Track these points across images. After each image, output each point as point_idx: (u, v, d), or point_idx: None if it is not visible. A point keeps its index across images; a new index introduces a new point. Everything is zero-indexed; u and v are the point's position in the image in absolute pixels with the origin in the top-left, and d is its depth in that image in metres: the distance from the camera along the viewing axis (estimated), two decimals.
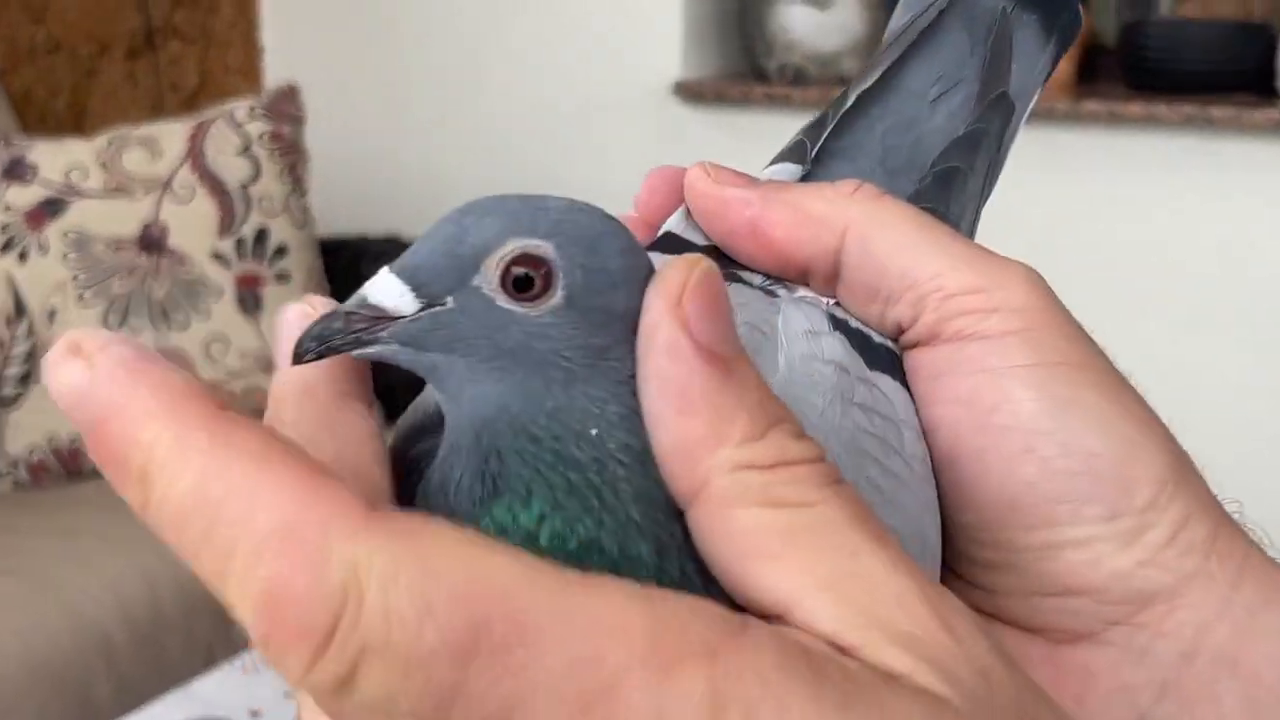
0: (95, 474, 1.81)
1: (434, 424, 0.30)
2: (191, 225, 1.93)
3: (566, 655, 0.21)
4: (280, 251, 1.98)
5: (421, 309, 0.27)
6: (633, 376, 0.27)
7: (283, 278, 1.97)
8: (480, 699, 0.21)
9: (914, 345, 0.33)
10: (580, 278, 0.27)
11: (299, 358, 0.27)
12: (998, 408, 0.31)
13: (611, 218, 0.29)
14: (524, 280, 0.27)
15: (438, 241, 0.28)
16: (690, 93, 2.23)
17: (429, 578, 0.21)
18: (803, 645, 0.22)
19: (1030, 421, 0.31)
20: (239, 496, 0.21)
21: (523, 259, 0.27)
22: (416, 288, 0.27)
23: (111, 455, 0.23)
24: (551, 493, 0.26)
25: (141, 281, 1.89)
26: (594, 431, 0.27)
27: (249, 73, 2.63)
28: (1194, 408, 1.58)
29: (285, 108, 2.03)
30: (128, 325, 1.86)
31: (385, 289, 0.27)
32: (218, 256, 1.94)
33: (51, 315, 1.87)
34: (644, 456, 0.26)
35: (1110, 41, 2.20)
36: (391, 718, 0.21)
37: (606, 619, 0.21)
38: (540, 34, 2.35)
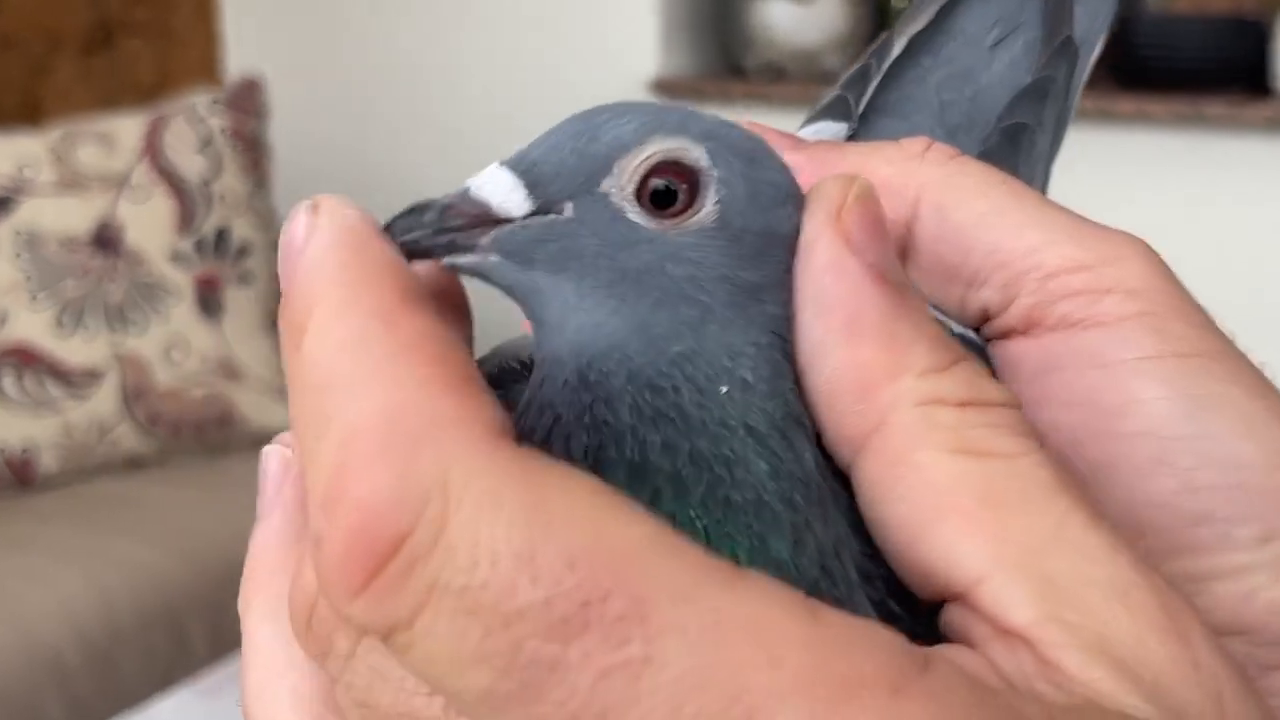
0: (48, 485, 1.78)
1: (520, 374, 0.26)
2: (149, 224, 1.88)
3: (697, 663, 0.17)
4: (243, 252, 1.94)
5: (533, 212, 0.24)
6: (789, 327, 0.24)
7: (245, 279, 1.93)
8: (573, 693, 0.17)
9: (1006, 335, 0.28)
10: (741, 190, 0.24)
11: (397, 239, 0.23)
12: (1124, 410, 0.26)
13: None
14: (665, 194, 0.24)
15: (563, 136, 0.24)
16: (668, 90, 2.20)
17: (541, 522, 0.18)
18: (996, 691, 0.19)
19: (1165, 426, 0.26)
20: (366, 373, 0.20)
21: (667, 166, 0.24)
22: (532, 186, 0.24)
23: (287, 300, 0.21)
24: (672, 459, 0.23)
25: (97, 283, 1.84)
26: (724, 389, 0.23)
27: (209, 70, 2.58)
28: None
29: (247, 101, 1.99)
30: (83, 328, 1.82)
31: (494, 183, 0.24)
32: (177, 257, 1.89)
33: (2, 319, 1.81)
34: (788, 427, 0.23)
35: None
36: (455, 697, 0.18)
37: (758, 628, 0.18)
38: (513, 28, 2.33)
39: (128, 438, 1.83)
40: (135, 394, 1.83)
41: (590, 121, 0.24)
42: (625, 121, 0.24)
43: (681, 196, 0.24)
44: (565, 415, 0.23)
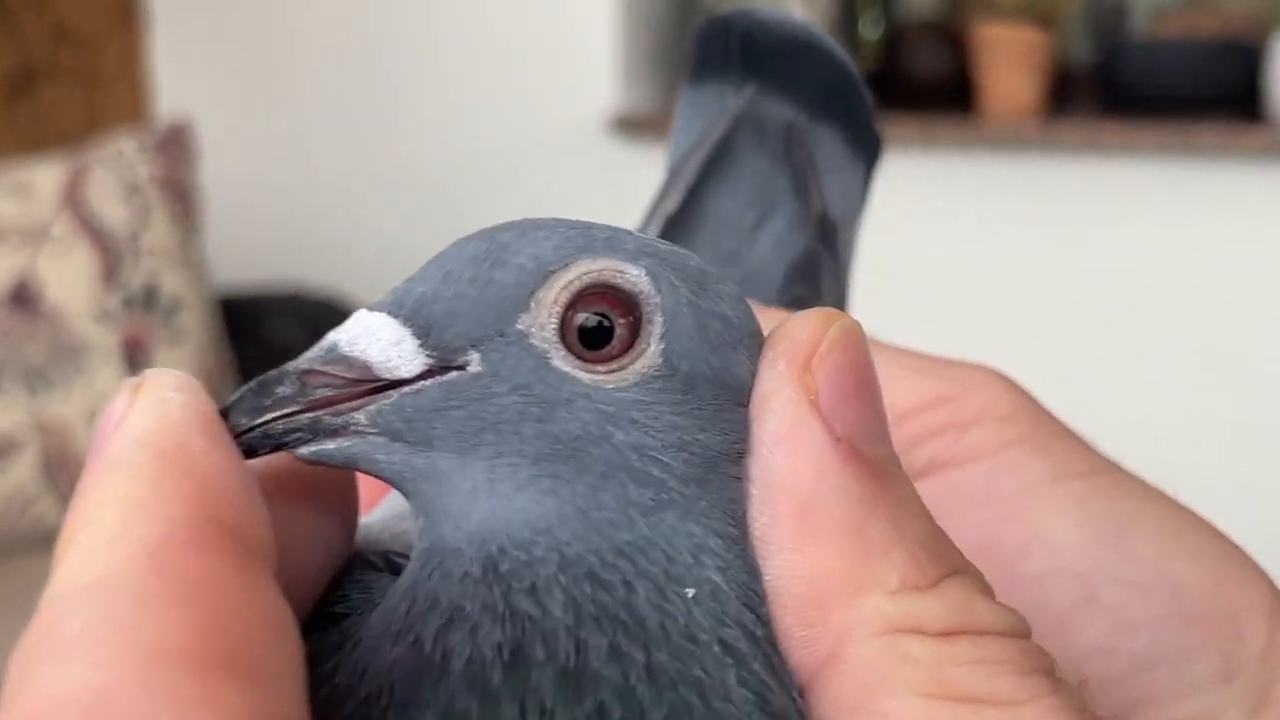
0: None
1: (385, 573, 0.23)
2: (70, 279, 1.82)
3: None
4: (173, 308, 1.87)
5: (428, 370, 0.20)
6: None
7: (176, 338, 1.86)
8: None
9: None
10: (689, 323, 0.21)
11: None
12: (1027, 549, 0.25)
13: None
14: (598, 331, 0.21)
15: (459, 263, 0.21)
16: (628, 126, 2.16)
17: None
18: None
19: (1079, 558, 0.24)
20: (98, 634, 0.16)
21: (598, 292, 0.21)
22: (423, 334, 0.20)
23: (72, 503, 0.19)
24: (621, 670, 0.19)
25: (15, 345, 1.78)
26: (690, 592, 0.20)
27: (138, 115, 2.53)
28: (1173, 448, 1.58)
29: (176, 147, 1.92)
30: (1, 393, 1.75)
31: (371, 333, 0.20)
32: (101, 314, 1.83)
33: None
34: (775, 650, 0.20)
35: (1079, 66, 2.20)
36: None
37: None
38: (460, 64, 2.27)
39: (51, 512, 1.76)
40: (58, 463, 1.77)
41: (493, 241, 0.21)
42: (541, 238, 0.21)
43: (619, 333, 0.21)
44: (469, 607, 0.19)
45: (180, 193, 1.91)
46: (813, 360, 0.20)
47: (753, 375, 0.21)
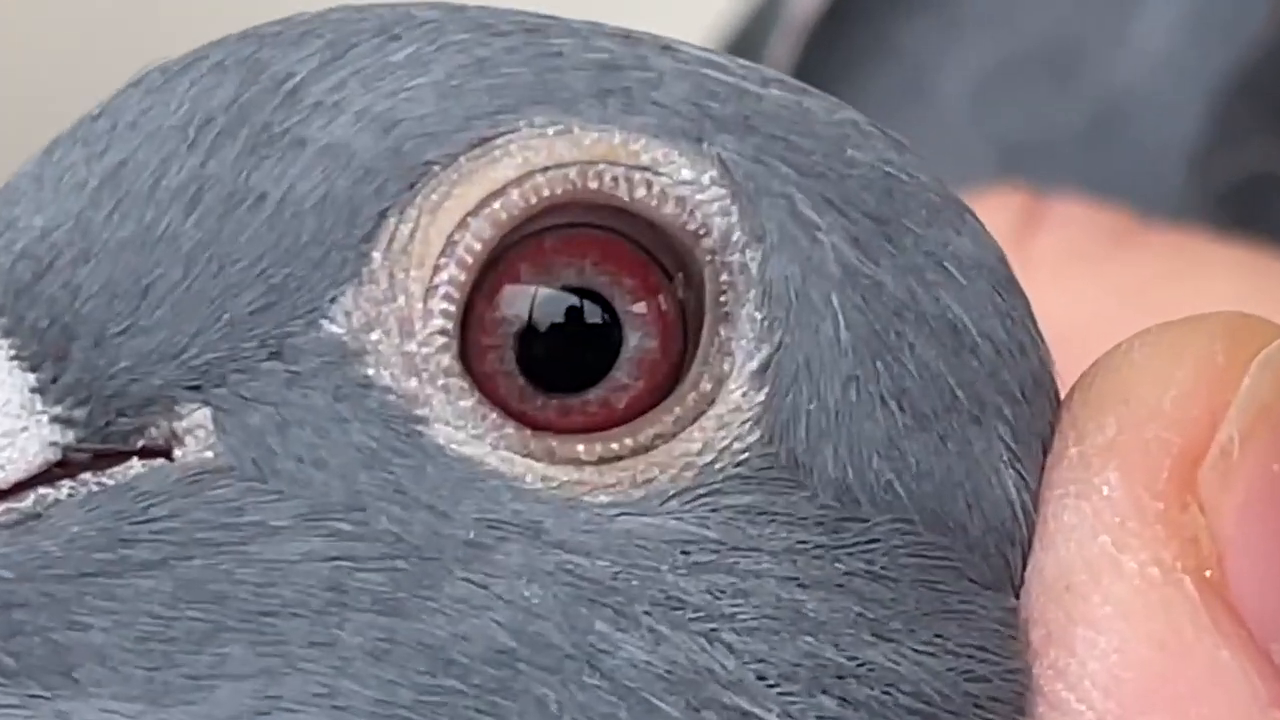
0: None
1: None
2: None
3: None
4: None
5: (64, 464, 0.10)
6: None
7: None
8: None
9: None
10: (841, 328, 0.10)
11: None
12: None
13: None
14: (579, 339, 0.10)
15: (145, 148, 0.10)
16: None
17: None
18: None
19: None
20: None
21: (583, 228, 0.10)
22: (47, 359, 0.10)
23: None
24: None
25: None
26: None
27: None
28: None
29: None
30: None
31: None
32: None
33: None
34: None
35: None
36: None
37: None
38: None
39: None
40: None
41: (250, 67, 0.10)
42: (409, 58, 0.10)
43: (636, 342, 0.10)
44: None
45: None
46: (1204, 471, 0.11)
47: (1022, 480, 0.11)
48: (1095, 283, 0.19)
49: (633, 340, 0.11)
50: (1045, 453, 0.12)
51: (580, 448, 0.11)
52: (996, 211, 0.15)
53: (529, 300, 0.10)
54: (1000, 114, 0.21)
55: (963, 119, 0.21)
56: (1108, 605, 0.11)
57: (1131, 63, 0.20)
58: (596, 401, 0.11)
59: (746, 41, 0.23)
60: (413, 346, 0.10)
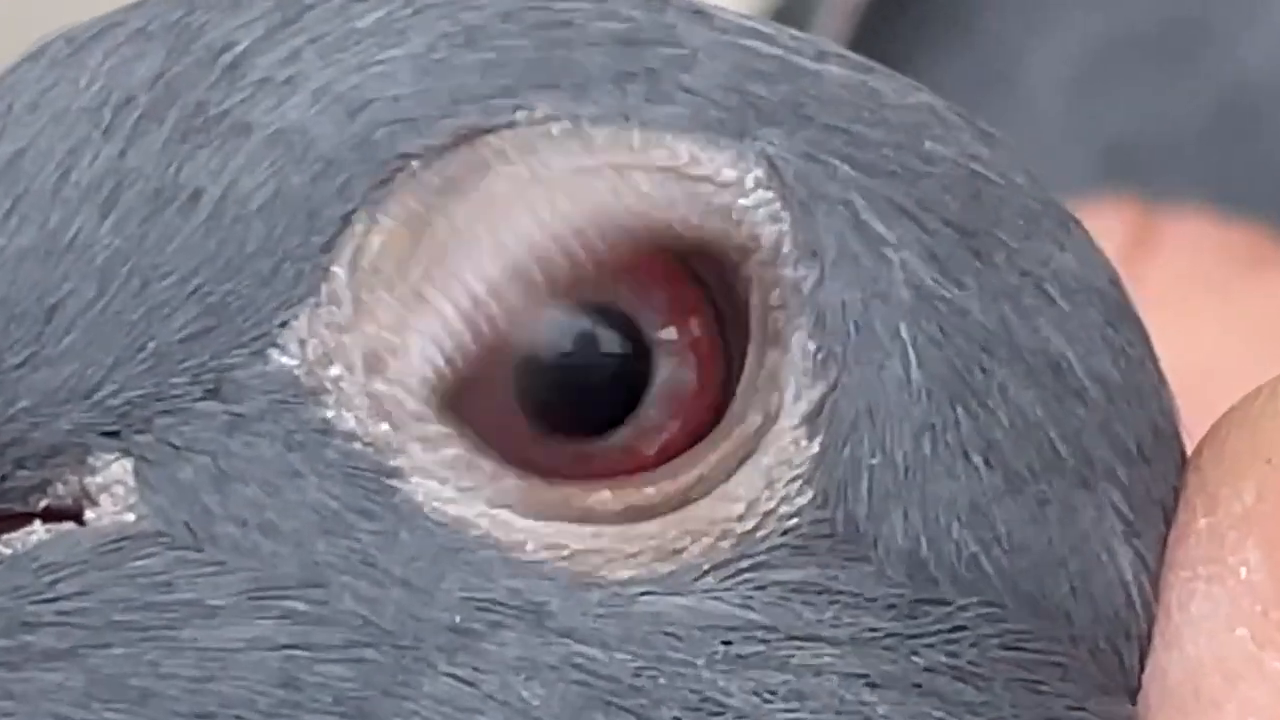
0: None
1: None
2: None
3: None
4: None
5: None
6: None
7: None
8: None
9: None
10: (913, 364, 0.09)
11: None
12: None
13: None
14: (585, 375, 0.08)
15: (48, 137, 0.09)
16: None
17: None
18: None
19: None
20: None
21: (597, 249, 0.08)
22: None
23: None
24: None
25: None
26: None
27: None
28: None
29: None
30: None
31: None
32: None
33: None
34: None
35: None
36: None
37: None
38: None
39: None
40: None
41: (179, 34, 0.09)
42: (384, 44, 0.09)
43: (667, 373, 0.09)
44: None
45: None
46: None
47: (1140, 559, 0.10)
48: (1223, 316, 0.18)
49: (664, 371, 0.09)
50: (1168, 524, 0.11)
51: (606, 494, 0.09)
52: (1100, 228, 0.13)
53: (533, 323, 0.09)
54: (1103, 107, 0.19)
55: (1056, 113, 0.19)
56: (1247, 716, 0.10)
57: (1265, 46, 0.18)
58: (621, 447, 0.09)
59: (784, 22, 0.20)
60: (381, 385, 0.09)
